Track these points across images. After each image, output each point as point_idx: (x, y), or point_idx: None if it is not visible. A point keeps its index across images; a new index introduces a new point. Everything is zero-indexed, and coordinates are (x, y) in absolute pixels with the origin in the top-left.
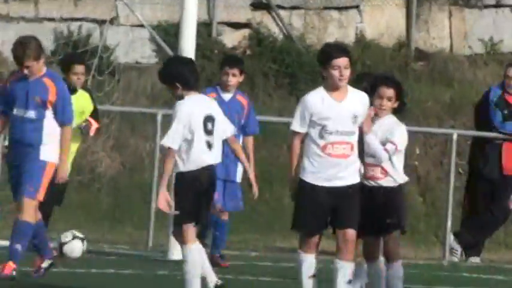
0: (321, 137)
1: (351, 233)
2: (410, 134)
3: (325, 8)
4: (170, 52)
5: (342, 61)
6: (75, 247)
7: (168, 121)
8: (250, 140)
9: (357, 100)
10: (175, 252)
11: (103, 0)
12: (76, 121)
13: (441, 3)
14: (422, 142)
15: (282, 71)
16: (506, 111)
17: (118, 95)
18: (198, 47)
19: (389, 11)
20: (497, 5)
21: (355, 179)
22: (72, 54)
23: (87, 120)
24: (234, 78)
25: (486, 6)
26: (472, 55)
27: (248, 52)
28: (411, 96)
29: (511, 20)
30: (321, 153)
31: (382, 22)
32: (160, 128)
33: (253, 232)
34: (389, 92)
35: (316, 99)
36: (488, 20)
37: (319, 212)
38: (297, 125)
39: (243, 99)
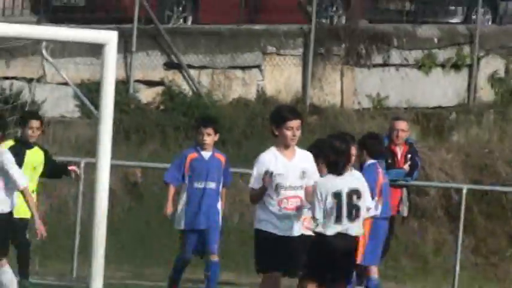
0: (277, 192)
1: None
2: None
3: (230, 67)
4: (92, 107)
5: (295, 123)
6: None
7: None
8: (224, 191)
9: (304, 158)
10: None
11: (32, 60)
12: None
13: (334, 63)
14: None
15: (191, 123)
16: (390, 161)
17: (45, 146)
18: (117, 103)
19: (287, 70)
20: (384, 65)
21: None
22: (29, 110)
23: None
24: (209, 137)
25: (374, 66)
26: (360, 109)
27: (161, 107)
28: None
29: (396, 78)
30: (277, 207)
31: (281, 80)
32: (83, 174)
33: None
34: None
35: (270, 157)
36: (376, 78)
37: (276, 255)
38: (255, 183)
39: (221, 157)
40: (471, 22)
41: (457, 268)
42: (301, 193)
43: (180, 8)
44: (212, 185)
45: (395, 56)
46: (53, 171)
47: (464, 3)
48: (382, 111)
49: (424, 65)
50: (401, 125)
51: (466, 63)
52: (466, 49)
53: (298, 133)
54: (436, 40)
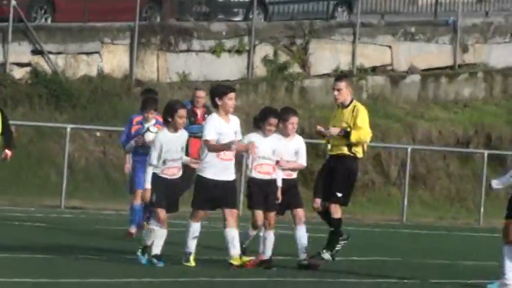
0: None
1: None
2: None
3: (78, 53)
4: None
5: (233, 95)
6: None
7: None
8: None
9: (235, 122)
10: None
11: None
12: None
13: (152, 50)
14: None
15: (51, 94)
16: (193, 119)
17: None
18: None
19: (119, 55)
20: (188, 50)
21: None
22: None
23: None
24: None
25: (181, 51)
26: (171, 83)
27: (29, 82)
28: None
29: (196, 60)
30: (217, 159)
31: (114, 62)
32: None
33: None
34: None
35: (217, 120)
36: (182, 60)
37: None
38: (212, 135)
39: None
40: (249, 19)
41: None
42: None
43: (43, 11)
44: None
45: (195, 44)
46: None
47: (244, 5)
48: (186, 84)
49: (216, 51)
50: (200, 93)
51: (245, 49)
52: (246, 39)
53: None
54: (224, 33)
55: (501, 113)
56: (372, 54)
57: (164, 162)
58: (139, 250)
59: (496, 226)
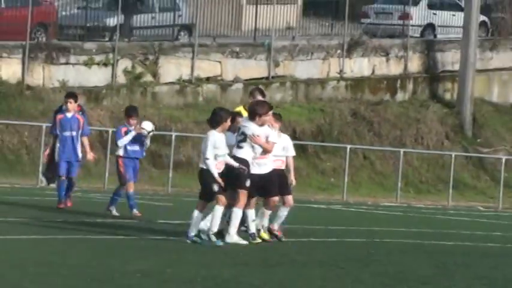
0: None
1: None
2: None
3: None
4: None
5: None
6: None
7: None
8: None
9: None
10: None
11: None
12: None
13: (39, 62)
14: None
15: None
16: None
17: None
18: None
19: (14, 65)
20: (67, 63)
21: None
22: None
23: None
24: (71, 105)
25: (61, 63)
26: (54, 88)
27: None
28: None
29: (73, 71)
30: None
31: (10, 71)
32: None
33: None
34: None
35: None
36: (62, 70)
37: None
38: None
39: (80, 118)
40: (113, 40)
41: None
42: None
43: None
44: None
45: (72, 59)
46: None
47: (110, 29)
48: (65, 89)
49: (88, 64)
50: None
51: (110, 63)
52: (111, 55)
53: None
54: (94, 50)
55: (304, 112)
56: (206, 67)
57: (215, 157)
58: (209, 235)
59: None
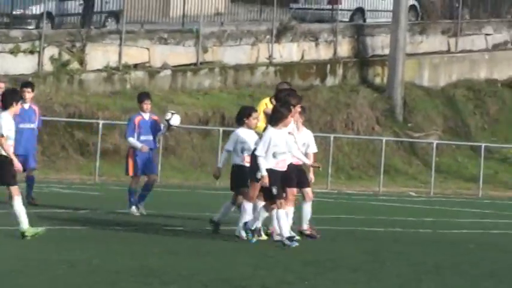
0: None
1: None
2: None
3: None
4: None
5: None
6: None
7: None
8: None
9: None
10: None
11: None
12: None
13: None
14: None
15: None
16: None
17: None
18: None
19: None
20: None
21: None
22: None
23: None
24: (29, 94)
25: None
26: None
27: None
28: None
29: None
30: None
31: None
32: None
33: None
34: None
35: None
36: None
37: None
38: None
39: (36, 108)
40: (40, 28)
41: None
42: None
43: None
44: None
45: None
46: None
47: (36, 17)
48: None
49: (14, 52)
50: (1, 84)
51: (37, 50)
52: (37, 43)
53: None
54: (20, 38)
55: (232, 98)
56: (134, 54)
57: (274, 155)
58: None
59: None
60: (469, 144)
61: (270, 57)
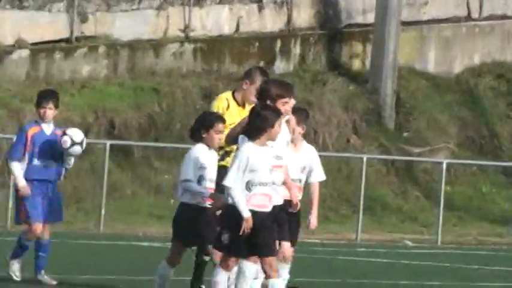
0: None
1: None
2: None
3: None
4: None
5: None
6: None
7: None
8: None
9: None
10: None
11: None
12: None
13: None
14: None
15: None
16: None
17: None
18: None
19: None
20: None
21: None
22: None
23: None
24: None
25: None
26: None
27: None
28: None
29: None
30: None
31: None
32: None
33: None
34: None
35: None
36: None
37: None
38: None
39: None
40: None
41: None
42: None
43: None
44: None
45: None
46: None
47: None
48: None
49: None
50: None
51: None
52: None
53: None
54: None
55: (127, 94)
56: None
57: (248, 186)
58: None
59: (117, 232)
60: (499, 164)
61: (187, 28)
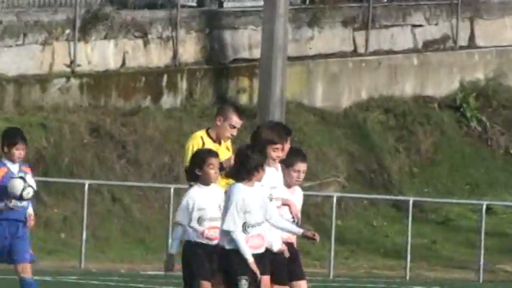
0: None
1: None
2: None
3: None
4: None
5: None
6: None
7: None
8: None
9: None
10: None
11: None
12: None
13: None
14: None
15: None
16: None
17: None
18: None
19: None
20: None
21: None
22: None
23: None
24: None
25: None
26: None
27: None
28: None
29: None
30: None
31: None
32: None
33: None
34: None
35: None
36: None
37: None
38: None
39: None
40: None
41: None
42: None
43: None
44: None
45: None
46: None
47: None
48: None
49: None
50: None
51: None
52: None
53: None
54: None
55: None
56: None
57: (244, 228)
58: None
59: (4, 268)
60: (389, 198)
61: (72, 63)
